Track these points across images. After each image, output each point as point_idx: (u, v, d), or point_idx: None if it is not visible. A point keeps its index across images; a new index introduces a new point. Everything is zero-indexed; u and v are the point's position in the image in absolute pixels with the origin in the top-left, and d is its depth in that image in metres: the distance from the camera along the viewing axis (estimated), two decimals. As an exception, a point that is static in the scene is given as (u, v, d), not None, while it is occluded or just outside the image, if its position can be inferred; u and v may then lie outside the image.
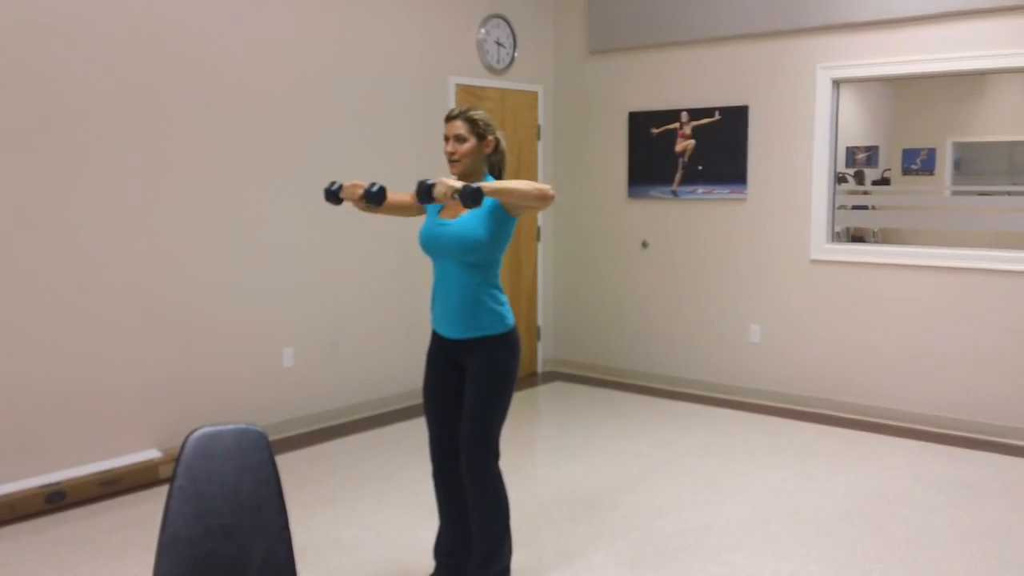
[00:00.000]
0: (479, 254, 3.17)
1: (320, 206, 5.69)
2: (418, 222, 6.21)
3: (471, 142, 3.23)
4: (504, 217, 3.17)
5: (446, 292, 3.25)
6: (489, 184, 2.97)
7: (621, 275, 7.05)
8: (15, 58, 4.32)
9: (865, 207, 6.13)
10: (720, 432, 5.65)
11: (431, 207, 3.36)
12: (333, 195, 3.29)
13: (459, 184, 2.92)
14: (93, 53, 4.60)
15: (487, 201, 3.18)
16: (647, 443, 5.43)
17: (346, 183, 3.14)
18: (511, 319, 3.28)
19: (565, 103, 7.26)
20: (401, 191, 6.13)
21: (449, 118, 3.25)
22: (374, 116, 5.98)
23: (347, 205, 5.82)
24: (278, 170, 5.45)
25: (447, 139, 3.25)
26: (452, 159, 3.23)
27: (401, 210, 3.49)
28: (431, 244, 3.25)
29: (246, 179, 5.30)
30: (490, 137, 3.26)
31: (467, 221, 3.18)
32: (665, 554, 3.84)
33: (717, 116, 6.40)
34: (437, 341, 3.37)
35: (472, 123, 3.23)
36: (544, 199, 3.02)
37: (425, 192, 2.97)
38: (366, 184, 3.24)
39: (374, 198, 3.19)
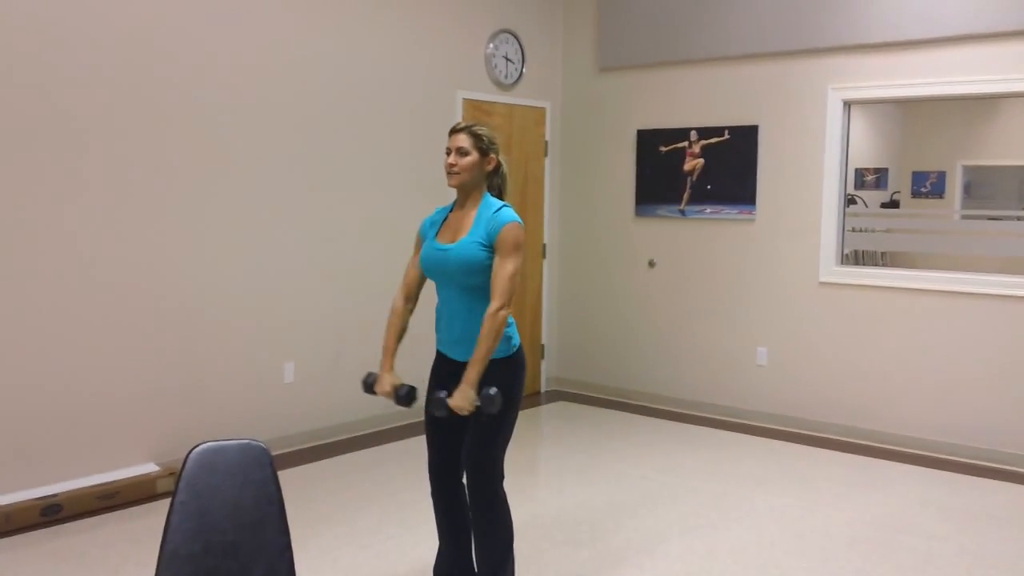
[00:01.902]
0: (482, 276, 3.14)
1: (324, 220, 5.65)
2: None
3: (473, 156, 3.21)
4: None
5: (450, 315, 3.23)
6: (473, 375, 3.05)
7: (627, 294, 7.01)
8: (16, 64, 4.30)
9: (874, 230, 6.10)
10: (726, 456, 5.59)
11: (428, 234, 3.33)
12: (368, 387, 3.32)
13: (473, 395, 3.03)
14: (98, 59, 4.58)
15: (485, 223, 3.15)
16: (651, 466, 5.37)
17: (380, 377, 3.29)
18: (517, 340, 3.26)
19: (573, 120, 7.24)
20: (408, 207, 6.11)
21: (454, 131, 3.24)
22: (381, 129, 5.95)
23: (350, 220, 5.79)
24: (282, 182, 5.42)
25: (449, 151, 3.22)
26: (452, 171, 3.21)
27: (422, 280, 3.44)
28: (433, 268, 3.22)
29: (249, 191, 5.27)
30: (492, 155, 3.25)
31: (467, 244, 3.15)
32: (671, 579, 3.79)
33: (726, 135, 6.38)
34: (441, 360, 3.34)
35: (476, 137, 3.21)
36: (505, 318, 3.10)
37: (443, 406, 3.08)
38: (396, 383, 3.25)
39: (403, 402, 3.22)
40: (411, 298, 3.40)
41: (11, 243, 4.32)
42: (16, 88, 4.29)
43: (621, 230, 7.01)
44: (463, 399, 3.03)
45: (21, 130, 4.32)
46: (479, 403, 3.03)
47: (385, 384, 3.25)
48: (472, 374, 3.05)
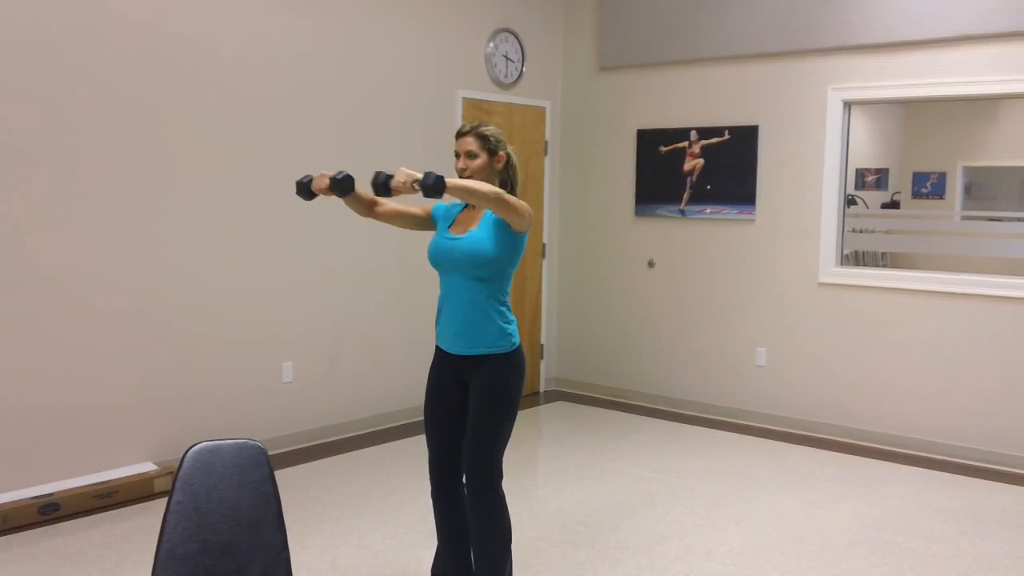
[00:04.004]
0: (490, 268, 3.14)
1: (322, 218, 5.64)
2: (420, 236, 6.16)
3: (482, 158, 3.20)
4: (514, 231, 3.14)
5: (452, 307, 3.21)
6: (453, 180, 2.89)
7: (626, 294, 7.00)
8: (13, 64, 4.28)
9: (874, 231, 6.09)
10: (724, 456, 5.58)
11: (440, 222, 3.33)
12: (304, 188, 3.14)
13: (419, 174, 2.85)
14: (94, 60, 4.56)
15: (495, 216, 3.14)
16: (650, 466, 5.36)
17: (316, 174, 3.05)
18: (517, 338, 3.24)
19: (573, 119, 7.23)
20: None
21: (460, 134, 3.22)
22: (380, 129, 5.94)
23: (348, 217, 5.78)
24: (280, 182, 5.40)
25: (458, 155, 3.21)
26: (463, 175, 3.20)
27: (404, 220, 3.41)
28: (440, 258, 3.21)
29: (247, 190, 5.26)
30: (501, 153, 3.24)
31: (478, 235, 3.15)
32: (669, 580, 3.78)
33: (727, 135, 6.37)
34: (441, 357, 3.32)
35: (483, 139, 3.20)
36: (504, 206, 2.97)
37: (382, 185, 2.86)
38: (332, 173, 3.11)
39: (339, 186, 3.01)
40: (378, 207, 3.35)
41: (9, 243, 4.31)
42: (12, 89, 4.28)
43: (621, 230, 6.99)
44: (408, 173, 2.84)
45: (19, 132, 4.31)
46: (420, 179, 2.81)
47: (322, 180, 3.08)
48: (449, 180, 2.87)
